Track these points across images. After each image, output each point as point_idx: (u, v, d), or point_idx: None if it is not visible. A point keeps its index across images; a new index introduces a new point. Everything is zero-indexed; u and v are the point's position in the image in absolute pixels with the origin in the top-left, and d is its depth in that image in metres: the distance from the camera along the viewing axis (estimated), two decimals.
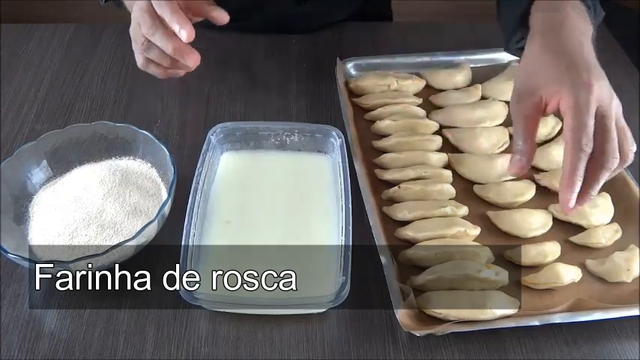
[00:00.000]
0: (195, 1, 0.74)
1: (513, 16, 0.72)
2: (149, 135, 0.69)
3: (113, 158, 0.71)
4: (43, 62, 0.90)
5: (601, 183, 0.60)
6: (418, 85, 0.84)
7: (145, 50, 0.73)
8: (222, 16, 0.74)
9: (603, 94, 0.60)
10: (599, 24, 0.73)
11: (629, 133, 0.61)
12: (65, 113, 0.82)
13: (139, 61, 0.75)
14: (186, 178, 0.66)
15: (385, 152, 0.75)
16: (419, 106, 0.81)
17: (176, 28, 0.69)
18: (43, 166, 0.68)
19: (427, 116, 0.80)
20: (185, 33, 0.68)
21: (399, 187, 0.70)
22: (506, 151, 0.76)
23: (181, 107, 0.83)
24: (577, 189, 0.58)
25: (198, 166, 0.68)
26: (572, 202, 0.59)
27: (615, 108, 0.61)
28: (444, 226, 0.65)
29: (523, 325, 0.58)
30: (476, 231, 0.66)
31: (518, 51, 0.73)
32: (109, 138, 0.70)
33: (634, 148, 0.61)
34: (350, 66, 0.86)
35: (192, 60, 0.71)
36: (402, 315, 0.58)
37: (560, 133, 0.78)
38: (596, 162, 0.59)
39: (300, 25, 0.95)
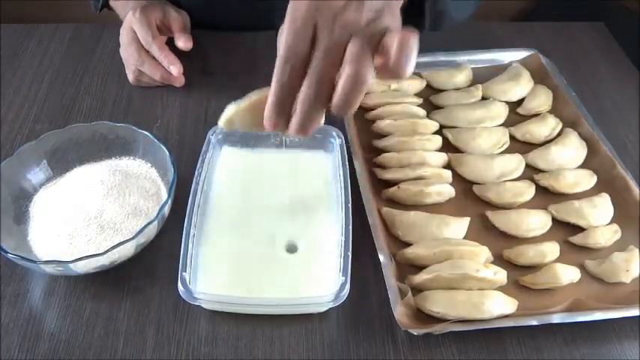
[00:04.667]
0: (169, 22, 0.84)
1: None
2: (149, 135, 0.69)
3: (113, 158, 0.71)
4: (43, 62, 0.90)
5: (306, 112, 0.50)
6: (418, 85, 0.84)
7: (136, 75, 0.83)
8: (185, 45, 0.83)
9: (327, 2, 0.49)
10: None
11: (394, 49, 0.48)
12: (65, 113, 0.82)
13: (130, 79, 0.84)
14: (186, 178, 0.67)
15: (385, 152, 0.75)
16: (419, 106, 0.81)
17: (165, 63, 0.80)
18: (43, 166, 0.68)
19: (427, 116, 0.80)
20: (175, 69, 0.80)
21: (399, 187, 0.70)
22: (506, 151, 0.76)
23: (181, 107, 0.83)
24: (277, 109, 0.51)
25: (198, 166, 0.68)
26: (271, 125, 0.52)
27: (352, 21, 0.49)
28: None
29: (521, 325, 0.58)
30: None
31: None
32: (109, 138, 0.70)
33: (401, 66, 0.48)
34: None
35: (179, 82, 0.83)
36: (400, 314, 0.58)
37: (560, 133, 0.78)
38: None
39: (266, 20, 0.94)
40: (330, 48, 0.49)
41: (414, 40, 0.48)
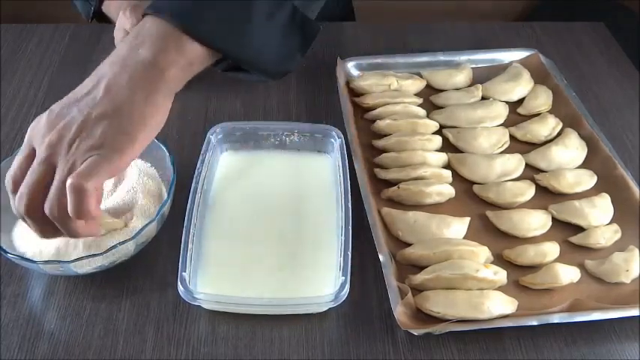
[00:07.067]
0: None
1: None
2: None
3: None
4: (43, 62, 0.90)
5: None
6: (418, 85, 0.84)
7: None
8: None
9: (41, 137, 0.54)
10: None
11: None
12: None
13: None
14: (185, 178, 0.66)
15: (385, 152, 0.75)
16: (419, 106, 0.81)
17: None
18: None
19: (427, 116, 0.80)
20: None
21: (399, 187, 0.70)
22: (506, 151, 0.76)
23: (181, 107, 0.82)
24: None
25: (198, 166, 0.68)
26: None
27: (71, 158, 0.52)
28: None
29: (521, 325, 0.58)
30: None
31: None
32: None
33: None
34: (351, 65, 0.86)
35: None
36: (399, 314, 0.58)
37: (560, 133, 0.78)
38: None
39: None
40: (35, 169, 0.53)
41: (84, 189, 0.51)
